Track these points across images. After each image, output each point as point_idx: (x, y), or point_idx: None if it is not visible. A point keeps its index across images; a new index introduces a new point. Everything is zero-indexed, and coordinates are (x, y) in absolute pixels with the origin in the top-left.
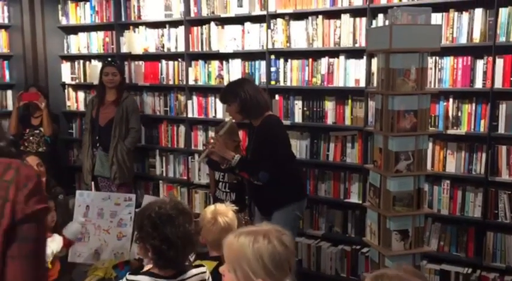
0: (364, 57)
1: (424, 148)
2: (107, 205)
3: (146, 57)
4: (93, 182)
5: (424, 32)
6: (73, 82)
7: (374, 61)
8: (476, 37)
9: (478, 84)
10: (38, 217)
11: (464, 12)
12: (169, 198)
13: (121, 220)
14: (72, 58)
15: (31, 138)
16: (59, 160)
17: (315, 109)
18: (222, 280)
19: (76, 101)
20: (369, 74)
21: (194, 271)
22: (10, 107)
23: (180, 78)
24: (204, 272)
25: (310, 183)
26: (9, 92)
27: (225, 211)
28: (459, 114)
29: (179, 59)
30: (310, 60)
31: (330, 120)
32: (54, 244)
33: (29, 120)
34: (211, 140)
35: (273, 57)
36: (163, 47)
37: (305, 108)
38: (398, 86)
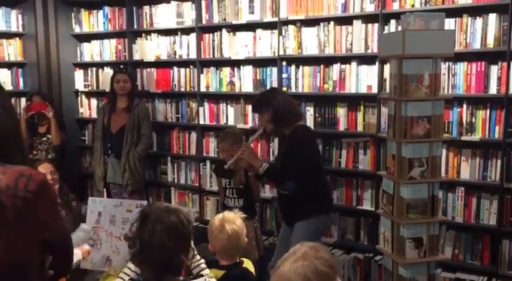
0: (376, 63)
1: (438, 155)
2: (118, 212)
3: (158, 64)
4: (105, 189)
5: (437, 38)
6: (86, 89)
7: (386, 67)
8: (490, 42)
9: (493, 90)
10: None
11: (478, 18)
12: (181, 209)
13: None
14: (85, 66)
15: (39, 146)
16: (67, 166)
17: (326, 116)
18: None
19: (89, 108)
20: (381, 80)
21: None
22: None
23: (192, 85)
24: None
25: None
26: (23, 100)
27: (233, 219)
28: (473, 120)
29: (191, 66)
30: (322, 66)
31: (342, 126)
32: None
33: (35, 128)
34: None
35: (284, 63)
36: (175, 54)
37: (317, 115)
38: (412, 92)
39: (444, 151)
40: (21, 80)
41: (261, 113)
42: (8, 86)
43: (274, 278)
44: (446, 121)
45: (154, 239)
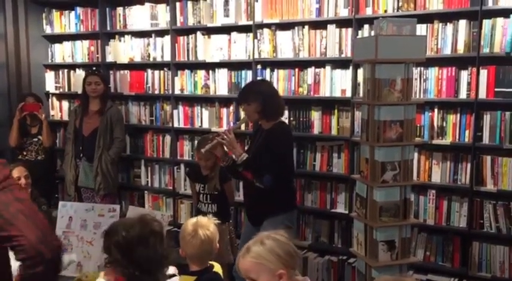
0: (350, 67)
1: (410, 158)
2: (90, 216)
3: (132, 66)
4: (76, 193)
5: (409, 43)
6: (57, 91)
7: (360, 71)
8: (461, 48)
9: (463, 94)
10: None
11: (448, 24)
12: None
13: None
14: (56, 67)
15: (29, 147)
16: (54, 168)
17: (301, 119)
18: None
19: (60, 110)
20: (355, 84)
21: None
22: None
23: (166, 88)
24: None
25: (297, 193)
26: None
27: (207, 224)
28: (444, 124)
29: (165, 69)
30: (297, 70)
31: (316, 130)
32: None
33: (27, 129)
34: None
35: (259, 67)
36: (149, 56)
37: (291, 118)
38: (384, 97)
39: (416, 155)
40: None
41: (249, 102)
42: None
43: (242, 264)
44: (418, 125)
45: (154, 252)
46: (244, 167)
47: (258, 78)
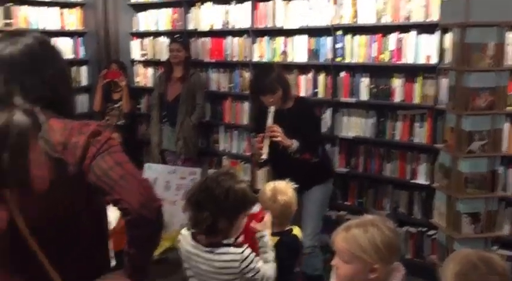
0: (437, 32)
1: (500, 128)
2: (173, 179)
3: (212, 33)
4: (160, 156)
5: (504, 4)
6: (142, 58)
7: (447, 36)
8: None
9: None
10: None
11: None
12: (231, 169)
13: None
14: (141, 35)
15: (111, 112)
16: (135, 132)
17: (381, 87)
18: (336, 273)
19: (145, 77)
20: (441, 50)
21: (232, 249)
22: (84, 83)
23: (245, 55)
24: (237, 260)
25: (375, 162)
26: (83, 68)
27: (285, 189)
28: None
29: (244, 36)
30: (379, 36)
31: (397, 98)
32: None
33: (110, 95)
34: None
35: (339, 33)
36: (228, 23)
37: (372, 86)
38: (474, 62)
39: (507, 125)
40: (81, 48)
41: (275, 91)
42: (69, 55)
43: (338, 241)
44: (511, 93)
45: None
46: (301, 152)
47: (338, 44)
